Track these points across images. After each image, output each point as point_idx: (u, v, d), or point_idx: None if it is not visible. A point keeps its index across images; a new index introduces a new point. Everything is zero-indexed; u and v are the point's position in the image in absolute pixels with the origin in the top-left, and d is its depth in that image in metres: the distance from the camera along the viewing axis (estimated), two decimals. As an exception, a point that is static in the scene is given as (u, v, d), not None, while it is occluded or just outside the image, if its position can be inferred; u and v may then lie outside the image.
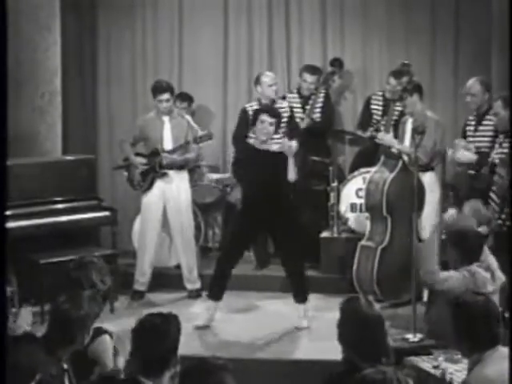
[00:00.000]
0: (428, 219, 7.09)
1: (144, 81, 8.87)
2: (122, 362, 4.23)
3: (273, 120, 6.61)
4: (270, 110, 6.89)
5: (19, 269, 6.74)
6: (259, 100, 8.07)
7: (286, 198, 6.66)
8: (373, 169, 7.42)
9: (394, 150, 7.36)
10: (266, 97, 8.00)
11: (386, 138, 7.43)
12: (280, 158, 6.51)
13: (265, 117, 6.60)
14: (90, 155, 8.09)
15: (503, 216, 6.35)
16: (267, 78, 8.01)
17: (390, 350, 3.70)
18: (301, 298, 6.70)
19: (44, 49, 7.93)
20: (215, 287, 6.70)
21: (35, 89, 7.89)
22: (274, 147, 6.66)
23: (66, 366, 4.02)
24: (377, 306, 3.80)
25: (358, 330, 3.66)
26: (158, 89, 7.52)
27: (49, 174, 7.43)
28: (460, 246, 5.28)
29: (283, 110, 8.00)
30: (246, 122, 7.69)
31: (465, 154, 6.93)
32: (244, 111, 8.00)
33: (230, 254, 6.69)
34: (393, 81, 8.10)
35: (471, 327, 3.83)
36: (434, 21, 8.56)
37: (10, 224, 6.67)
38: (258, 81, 8.08)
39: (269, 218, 6.52)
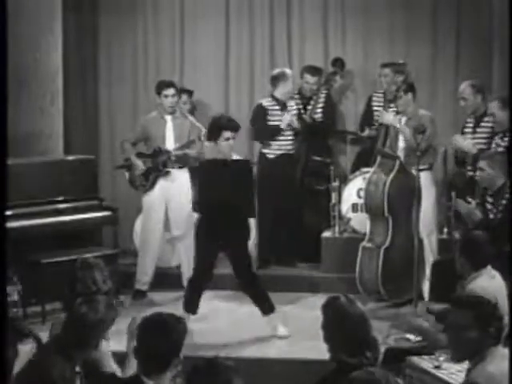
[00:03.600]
0: (424, 218, 7.08)
1: (145, 81, 8.88)
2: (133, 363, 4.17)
3: (235, 135, 6.45)
4: (233, 125, 6.52)
5: (20, 269, 6.74)
6: (273, 96, 8.02)
7: (242, 210, 6.44)
8: (371, 170, 7.41)
9: (387, 150, 7.36)
10: (284, 94, 7.96)
11: (386, 116, 7.41)
12: (241, 167, 6.46)
13: (229, 134, 6.39)
14: (91, 155, 8.09)
15: (495, 210, 6.35)
16: (290, 77, 7.98)
17: (375, 344, 3.76)
18: (267, 308, 6.51)
19: (46, 49, 7.92)
20: (191, 302, 6.59)
21: (37, 89, 7.88)
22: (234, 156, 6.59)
23: (78, 369, 4.03)
24: (358, 303, 3.84)
25: (340, 328, 3.73)
26: (163, 85, 7.54)
27: (50, 174, 7.43)
28: (472, 255, 5.26)
29: (292, 110, 8.02)
30: (264, 116, 7.87)
31: (468, 142, 7.01)
32: (261, 106, 7.97)
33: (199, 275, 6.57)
34: (385, 71, 8.13)
35: (471, 330, 3.82)
36: (435, 20, 8.56)
37: (11, 224, 6.66)
38: (283, 77, 7.98)
39: (225, 233, 6.38)
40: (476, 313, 3.82)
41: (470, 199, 6.55)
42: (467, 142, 7.08)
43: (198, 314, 6.65)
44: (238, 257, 6.47)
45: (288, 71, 8.06)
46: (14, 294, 6.59)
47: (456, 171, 7.52)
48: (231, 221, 6.34)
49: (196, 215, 6.79)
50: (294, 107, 8.11)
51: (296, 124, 8.00)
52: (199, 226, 6.60)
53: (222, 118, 6.63)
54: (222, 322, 6.80)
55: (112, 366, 4.33)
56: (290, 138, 8.04)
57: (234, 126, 6.45)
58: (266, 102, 8.02)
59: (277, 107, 7.97)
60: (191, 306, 6.58)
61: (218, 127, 6.43)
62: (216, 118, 6.66)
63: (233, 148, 6.47)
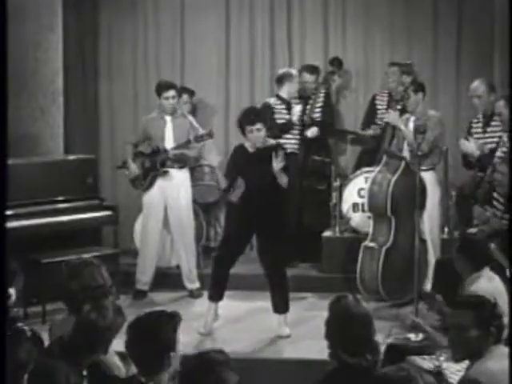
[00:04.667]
0: (428, 219, 7.08)
1: (146, 80, 8.87)
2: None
3: (265, 127, 6.44)
4: (262, 117, 6.53)
5: (21, 268, 6.73)
6: (278, 96, 8.02)
7: (278, 200, 6.50)
8: (374, 169, 7.41)
9: (394, 150, 7.34)
10: (290, 94, 7.96)
11: (391, 115, 7.40)
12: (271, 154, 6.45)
13: (259, 125, 6.37)
14: (92, 155, 8.09)
15: (506, 215, 6.30)
16: (296, 77, 7.99)
17: (376, 347, 3.76)
18: (282, 308, 6.54)
19: (46, 48, 7.92)
20: (215, 288, 6.62)
21: (37, 88, 7.88)
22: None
23: (85, 373, 4.02)
24: (365, 304, 3.85)
25: (344, 328, 3.73)
26: (163, 86, 7.54)
27: (51, 174, 7.43)
28: (469, 255, 5.25)
29: (299, 111, 8.03)
30: (270, 115, 7.78)
31: (471, 145, 6.93)
32: (268, 105, 7.96)
33: (227, 255, 6.60)
34: (393, 68, 8.12)
35: (471, 330, 3.83)
36: (436, 18, 8.56)
37: (12, 224, 6.67)
38: (289, 77, 7.99)
39: (261, 219, 6.41)
40: (477, 313, 3.82)
41: (487, 207, 6.46)
42: (471, 145, 7.02)
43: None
44: (267, 244, 6.49)
45: (293, 71, 8.08)
46: (14, 293, 6.58)
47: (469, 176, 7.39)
48: (264, 205, 6.37)
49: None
50: (298, 107, 8.11)
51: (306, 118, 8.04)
52: (232, 210, 6.69)
53: (251, 110, 6.67)
54: (222, 322, 6.79)
55: (117, 367, 4.32)
56: (297, 137, 8.04)
57: (264, 119, 6.49)
58: (272, 101, 8.04)
59: (282, 106, 7.99)
60: (217, 292, 6.58)
61: (246, 119, 6.47)
62: (246, 109, 6.70)
63: (260, 138, 6.41)
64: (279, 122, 7.94)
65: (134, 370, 4.01)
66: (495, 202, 6.43)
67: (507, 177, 6.26)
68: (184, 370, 3.28)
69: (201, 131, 7.60)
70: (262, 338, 6.45)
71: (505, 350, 3.85)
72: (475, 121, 7.21)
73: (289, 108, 8.01)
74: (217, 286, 6.60)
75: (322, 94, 8.33)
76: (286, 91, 7.99)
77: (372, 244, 7.25)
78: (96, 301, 4.29)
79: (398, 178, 7.13)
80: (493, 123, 7.04)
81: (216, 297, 6.60)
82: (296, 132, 8.02)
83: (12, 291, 6.24)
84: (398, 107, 7.77)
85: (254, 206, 6.40)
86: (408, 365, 3.97)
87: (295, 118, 7.98)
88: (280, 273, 6.54)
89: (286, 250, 6.65)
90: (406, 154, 7.26)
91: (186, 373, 3.27)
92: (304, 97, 8.28)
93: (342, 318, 3.77)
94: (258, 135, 6.39)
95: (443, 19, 8.56)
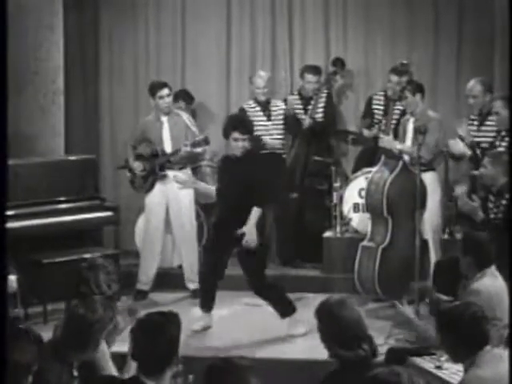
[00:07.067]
0: (429, 219, 7.08)
1: (146, 80, 8.83)
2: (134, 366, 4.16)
3: (245, 136, 6.32)
4: (241, 126, 6.39)
5: (22, 269, 6.74)
6: (255, 99, 8.08)
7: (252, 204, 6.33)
8: (374, 169, 7.41)
9: (394, 150, 7.34)
10: (259, 93, 8.02)
11: (385, 140, 7.40)
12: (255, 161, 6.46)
13: (236, 134, 6.31)
14: (93, 155, 8.09)
15: (496, 209, 6.30)
16: (260, 79, 8.03)
17: (369, 338, 3.80)
18: (287, 311, 6.48)
19: (46, 48, 7.93)
20: (205, 299, 6.61)
21: (38, 88, 7.89)
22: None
23: (75, 373, 4.01)
24: (352, 302, 3.90)
25: (334, 327, 3.78)
26: (156, 86, 7.54)
27: (51, 174, 7.44)
28: (474, 255, 5.25)
29: (280, 110, 8.04)
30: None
31: (459, 144, 6.94)
32: (242, 110, 8.00)
33: (212, 268, 6.55)
34: (394, 78, 8.10)
35: (455, 334, 3.85)
36: (436, 19, 8.56)
37: (13, 224, 6.67)
38: (253, 77, 8.10)
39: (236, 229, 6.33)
40: (462, 318, 3.84)
41: (474, 197, 6.48)
42: (460, 146, 7.03)
43: (215, 315, 6.67)
44: (245, 257, 6.40)
45: (261, 72, 8.13)
46: (14, 293, 6.59)
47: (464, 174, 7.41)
48: (243, 217, 6.29)
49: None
50: (280, 106, 8.11)
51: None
52: (214, 220, 6.69)
53: (232, 118, 6.55)
54: (223, 322, 6.79)
55: (111, 368, 4.31)
56: (278, 136, 8.05)
57: (242, 128, 6.37)
58: (246, 105, 8.09)
59: (258, 108, 8.02)
60: (205, 303, 6.59)
61: (227, 127, 6.41)
62: (229, 116, 6.62)
63: (243, 148, 6.36)
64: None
65: (130, 372, 4.01)
66: (490, 197, 6.40)
67: (490, 170, 6.25)
68: (207, 375, 3.29)
69: (197, 132, 7.59)
70: (263, 338, 6.44)
71: (497, 352, 3.86)
72: (473, 117, 7.18)
73: (265, 110, 8.02)
74: (206, 297, 6.61)
75: (323, 95, 8.34)
76: (256, 92, 8.05)
77: (369, 243, 7.26)
78: (84, 296, 4.30)
79: (394, 178, 7.12)
80: (487, 122, 7.04)
81: (207, 307, 6.61)
82: (276, 132, 8.03)
83: (13, 278, 6.25)
84: (397, 107, 7.80)
85: (232, 215, 6.35)
86: (405, 368, 4.01)
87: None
88: (264, 285, 6.43)
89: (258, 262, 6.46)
90: (406, 157, 7.26)
91: (208, 377, 3.28)
92: (305, 98, 8.29)
93: (331, 320, 3.81)
94: (239, 146, 6.33)
95: (443, 20, 8.55)
